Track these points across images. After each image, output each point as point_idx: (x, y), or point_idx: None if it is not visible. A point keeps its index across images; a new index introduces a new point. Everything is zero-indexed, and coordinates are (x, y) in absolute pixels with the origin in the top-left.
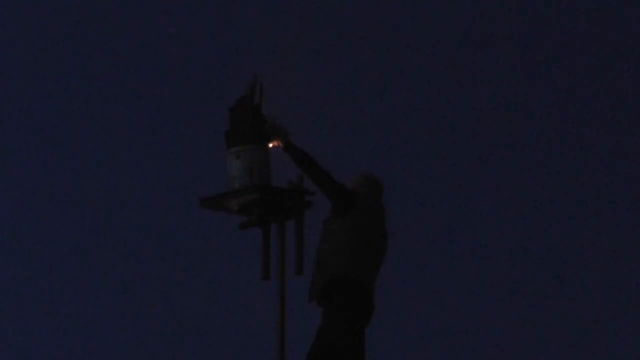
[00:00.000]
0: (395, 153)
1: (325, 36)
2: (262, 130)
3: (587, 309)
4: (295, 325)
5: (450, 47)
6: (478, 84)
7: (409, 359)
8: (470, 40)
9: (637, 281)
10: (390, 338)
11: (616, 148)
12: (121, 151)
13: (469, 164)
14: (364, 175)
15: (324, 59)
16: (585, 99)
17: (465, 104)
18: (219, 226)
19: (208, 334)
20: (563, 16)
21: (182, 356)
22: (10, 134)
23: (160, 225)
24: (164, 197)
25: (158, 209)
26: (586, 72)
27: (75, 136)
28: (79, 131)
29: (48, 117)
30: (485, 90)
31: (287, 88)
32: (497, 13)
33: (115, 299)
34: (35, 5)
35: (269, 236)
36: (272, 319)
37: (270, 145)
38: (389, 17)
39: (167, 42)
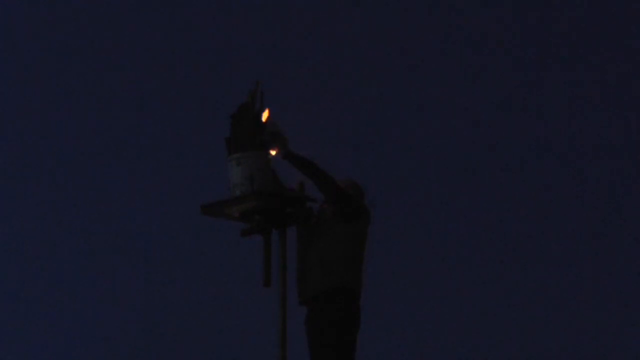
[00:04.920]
0: (395, 155)
1: (325, 40)
2: (263, 137)
3: (586, 308)
4: (296, 332)
5: (447, 48)
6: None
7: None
8: (467, 41)
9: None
10: (386, 339)
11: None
12: (122, 157)
13: (466, 164)
14: (353, 182)
15: (324, 63)
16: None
17: (462, 103)
18: (219, 233)
19: (209, 341)
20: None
21: None
22: (11, 137)
23: (161, 231)
24: (164, 204)
25: (159, 215)
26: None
27: (76, 140)
28: (80, 135)
29: (51, 122)
30: (483, 91)
31: (287, 95)
32: (493, 14)
33: (116, 305)
34: (36, 5)
35: (270, 243)
36: (273, 326)
37: (273, 153)
38: (386, 19)
39: (169, 47)
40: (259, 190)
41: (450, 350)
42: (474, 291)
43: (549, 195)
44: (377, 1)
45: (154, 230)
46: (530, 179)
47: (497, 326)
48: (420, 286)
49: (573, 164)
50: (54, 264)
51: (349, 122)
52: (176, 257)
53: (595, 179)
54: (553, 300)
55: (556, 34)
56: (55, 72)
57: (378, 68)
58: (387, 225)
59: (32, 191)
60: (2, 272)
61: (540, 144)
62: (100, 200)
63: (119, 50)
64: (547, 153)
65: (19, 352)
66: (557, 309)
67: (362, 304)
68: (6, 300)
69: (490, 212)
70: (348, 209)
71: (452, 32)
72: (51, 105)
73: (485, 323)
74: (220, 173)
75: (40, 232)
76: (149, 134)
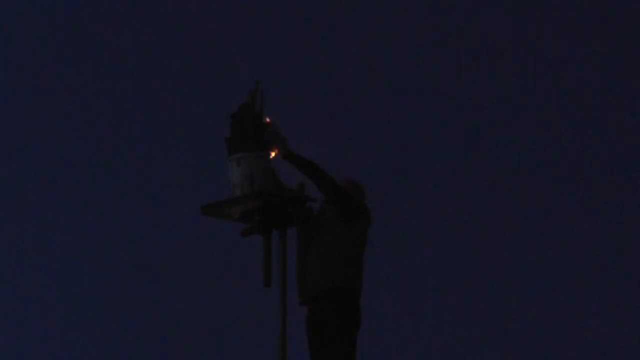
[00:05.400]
0: (395, 154)
1: (325, 41)
2: (263, 137)
3: (586, 308)
4: (296, 332)
5: (448, 47)
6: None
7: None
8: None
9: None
10: (387, 339)
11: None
12: (122, 157)
13: (467, 164)
14: (353, 182)
15: (324, 63)
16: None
17: (462, 102)
18: (219, 233)
19: (209, 341)
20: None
21: None
22: (11, 137)
23: (161, 232)
24: (164, 204)
25: (159, 215)
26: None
27: (76, 140)
28: (80, 135)
29: (51, 122)
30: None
31: (287, 95)
32: (493, 14)
33: (116, 305)
34: (38, 5)
35: (270, 243)
36: (273, 326)
37: (272, 154)
38: (386, 18)
39: (169, 47)
40: (259, 190)
41: (451, 351)
42: (474, 291)
43: (549, 196)
44: (377, 1)
45: (154, 230)
46: (531, 180)
47: (497, 326)
48: (421, 286)
49: (574, 163)
50: (54, 264)
51: (349, 122)
52: (176, 258)
53: (596, 179)
54: (554, 301)
55: (556, 33)
56: (55, 73)
57: (378, 68)
58: (387, 225)
59: (33, 192)
60: (1, 272)
61: (542, 144)
62: (100, 200)
63: (119, 50)
64: (549, 152)
65: (19, 352)
66: (557, 310)
67: (362, 304)
68: (6, 301)
69: (491, 212)
70: (348, 209)
71: (452, 31)
72: (51, 106)
73: (485, 323)
74: (220, 173)
75: (40, 232)
76: (148, 134)
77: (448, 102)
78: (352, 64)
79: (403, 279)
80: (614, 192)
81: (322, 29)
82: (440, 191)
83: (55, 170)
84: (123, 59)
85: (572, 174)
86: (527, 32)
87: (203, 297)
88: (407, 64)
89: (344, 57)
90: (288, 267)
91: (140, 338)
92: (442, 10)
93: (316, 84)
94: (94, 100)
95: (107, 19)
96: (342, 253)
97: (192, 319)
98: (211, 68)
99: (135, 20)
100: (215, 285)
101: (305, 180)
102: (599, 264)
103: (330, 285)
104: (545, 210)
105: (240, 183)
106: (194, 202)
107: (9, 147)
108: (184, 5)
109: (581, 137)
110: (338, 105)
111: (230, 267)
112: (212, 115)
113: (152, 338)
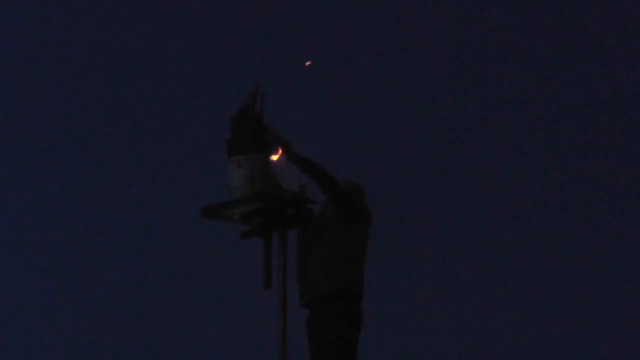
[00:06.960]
0: (395, 155)
1: (325, 41)
2: (263, 139)
3: (585, 308)
4: (297, 334)
5: (449, 47)
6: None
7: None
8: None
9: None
10: (388, 340)
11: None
12: (122, 159)
13: (467, 164)
14: (353, 182)
15: (324, 64)
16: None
17: (462, 103)
18: (220, 235)
19: (209, 343)
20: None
21: None
22: (11, 137)
23: (161, 233)
24: (165, 206)
25: (159, 217)
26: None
27: (76, 141)
28: (80, 135)
29: (52, 122)
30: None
31: (287, 95)
32: (492, 14)
33: (117, 306)
34: (39, 5)
35: (270, 245)
36: (273, 327)
37: (276, 157)
38: (386, 18)
39: (168, 48)
40: (259, 192)
41: (451, 351)
42: (475, 291)
43: (550, 196)
44: (377, 1)
45: (154, 232)
46: (532, 180)
47: (498, 326)
48: (421, 286)
49: (576, 163)
50: (54, 265)
51: (349, 122)
52: (177, 259)
53: (595, 179)
54: (555, 301)
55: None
56: (56, 72)
57: (378, 67)
58: (388, 226)
59: (33, 193)
60: (2, 272)
61: (543, 144)
62: (100, 201)
63: (120, 50)
64: (551, 152)
65: (19, 352)
66: (559, 310)
67: (362, 305)
68: (6, 301)
69: (492, 212)
70: (349, 210)
71: (452, 31)
72: (52, 106)
73: (486, 323)
74: (220, 175)
75: (40, 233)
76: (149, 136)
77: (449, 102)
78: (352, 64)
79: (403, 279)
80: (615, 194)
81: (322, 29)
82: (440, 191)
83: (55, 172)
84: (123, 60)
85: (573, 174)
86: (527, 31)
87: (203, 298)
88: (407, 64)
89: (344, 57)
90: (288, 268)
91: (140, 339)
92: (442, 9)
93: (316, 84)
94: (94, 101)
95: (107, 19)
96: (343, 255)
97: (192, 319)
98: (211, 68)
99: (135, 20)
100: (215, 287)
101: (306, 181)
102: (600, 264)
103: (331, 287)
104: (547, 210)
105: (241, 184)
106: (194, 204)
107: (9, 147)
108: (184, 5)
109: (582, 137)
110: (338, 106)
111: (231, 268)
112: (212, 116)
113: (152, 339)
